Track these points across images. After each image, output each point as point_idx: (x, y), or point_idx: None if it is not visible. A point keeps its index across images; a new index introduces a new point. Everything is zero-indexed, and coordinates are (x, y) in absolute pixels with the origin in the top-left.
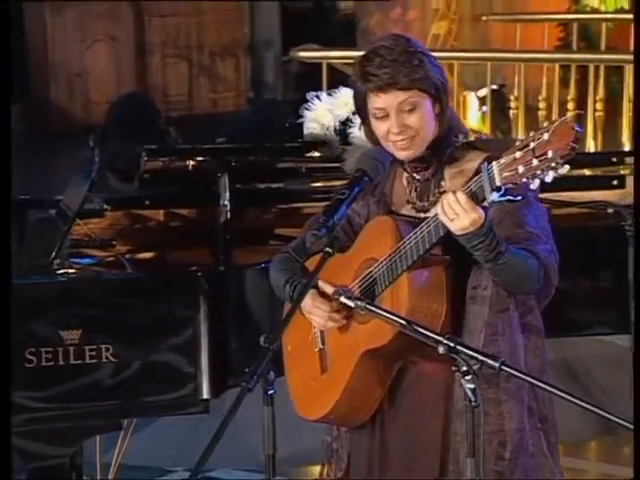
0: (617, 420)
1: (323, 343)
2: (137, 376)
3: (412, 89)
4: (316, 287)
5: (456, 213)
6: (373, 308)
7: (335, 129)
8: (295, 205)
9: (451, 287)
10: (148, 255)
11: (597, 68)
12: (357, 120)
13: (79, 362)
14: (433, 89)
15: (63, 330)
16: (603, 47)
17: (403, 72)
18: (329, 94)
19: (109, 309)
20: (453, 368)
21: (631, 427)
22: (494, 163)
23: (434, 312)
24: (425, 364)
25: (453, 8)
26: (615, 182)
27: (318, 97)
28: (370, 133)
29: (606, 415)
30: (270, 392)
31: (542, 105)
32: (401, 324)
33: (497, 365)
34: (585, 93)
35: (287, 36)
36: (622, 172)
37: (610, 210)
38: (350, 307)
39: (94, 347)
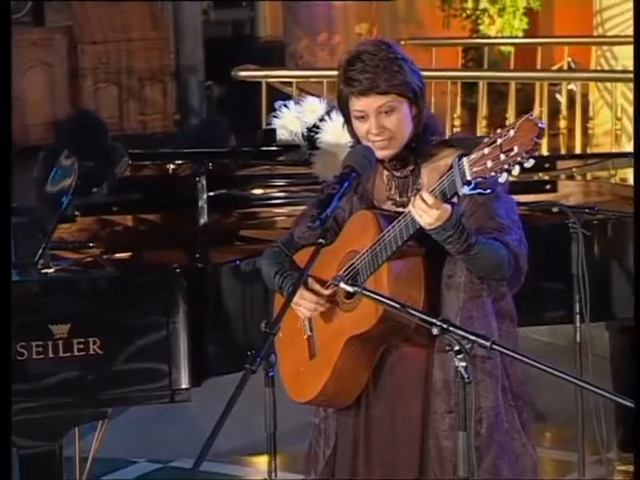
0: (617, 399)
1: (311, 330)
2: (122, 367)
3: (391, 94)
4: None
5: (423, 210)
6: (369, 293)
7: (303, 135)
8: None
9: (428, 276)
10: (123, 256)
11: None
12: (324, 126)
13: (68, 355)
14: (411, 94)
15: (53, 324)
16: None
17: (383, 78)
18: (296, 102)
19: (95, 305)
20: (447, 347)
21: (632, 405)
22: (464, 159)
23: (413, 299)
24: (406, 348)
25: (374, 33)
26: (548, 186)
27: (286, 105)
28: (352, 132)
29: (606, 395)
30: (271, 374)
31: (457, 122)
32: (396, 307)
33: (488, 344)
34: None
35: (210, 63)
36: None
37: (555, 209)
38: (344, 293)
39: (82, 340)
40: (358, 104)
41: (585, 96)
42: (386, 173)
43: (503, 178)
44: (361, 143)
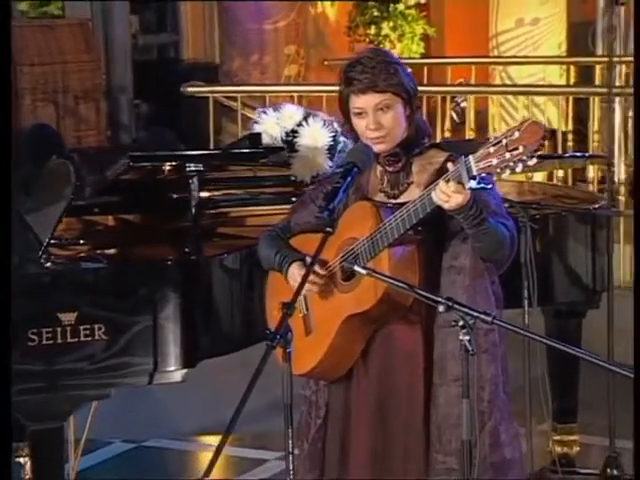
0: (620, 371)
1: (307, 310)
2: (124, 351)
3: (387, 92)
4: (302, 260)
5: (449, 196)
6: (379, 275)
7: (282, 139)
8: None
9: (422, 261)
10: (114, 252)
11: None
12: (301, 131)
13: (75, 340)
14: (405, 94)
15: (61, 312)
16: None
17: (381, 78)
18: (275, 109)
19: (98, 294)
20: (452, 323)
21: (631, 375)
22: (470, 156)
23: (409, 282)
24: (395, 325)
25: (301, 54)
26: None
27: (265, 112)
28: (351, 130)
29: (610, 367)
30: (288, 350)
31: None
32: (404, 288)
33: (490, 319)
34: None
35: (138, 83)
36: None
37: (506, 205)
38: (341, 276)
39: (88, 327)
40: (357, 101)
41: (481, 112)
42: (379, 168)
43: (506, 174)
44: (359, 141)
